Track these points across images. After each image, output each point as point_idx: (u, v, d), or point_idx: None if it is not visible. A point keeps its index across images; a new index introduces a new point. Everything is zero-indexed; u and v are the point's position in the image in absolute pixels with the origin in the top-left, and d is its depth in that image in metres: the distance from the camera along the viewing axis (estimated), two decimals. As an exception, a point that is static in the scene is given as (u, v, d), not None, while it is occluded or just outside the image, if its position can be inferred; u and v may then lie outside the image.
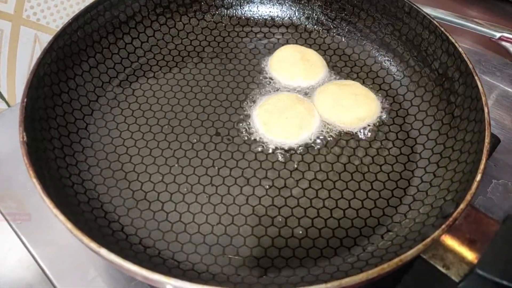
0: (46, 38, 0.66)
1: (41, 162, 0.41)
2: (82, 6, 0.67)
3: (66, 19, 0.66)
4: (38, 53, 0.66)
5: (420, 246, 0.34)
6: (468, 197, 0.36)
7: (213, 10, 0.63)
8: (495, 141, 0.53)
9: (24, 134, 0.40)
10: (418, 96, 0.54)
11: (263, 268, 0.41)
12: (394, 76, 0.57)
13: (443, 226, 0.35)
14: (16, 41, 0.64)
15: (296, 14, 0.63)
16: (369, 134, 0.51)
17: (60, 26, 0.65)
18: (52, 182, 0.41)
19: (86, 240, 0.34)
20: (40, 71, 0.46)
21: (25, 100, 0.42)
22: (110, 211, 0.44)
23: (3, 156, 0.56)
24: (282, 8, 0.64)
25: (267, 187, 0.46)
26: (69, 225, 0.34)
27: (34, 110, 0.44)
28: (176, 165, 0.48)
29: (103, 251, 0.33)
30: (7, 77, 0.66)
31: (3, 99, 0.68)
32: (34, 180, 0.37)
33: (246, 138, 0.50)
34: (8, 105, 0.68)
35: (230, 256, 0.41)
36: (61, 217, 0.35)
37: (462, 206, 0.36)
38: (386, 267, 0.33)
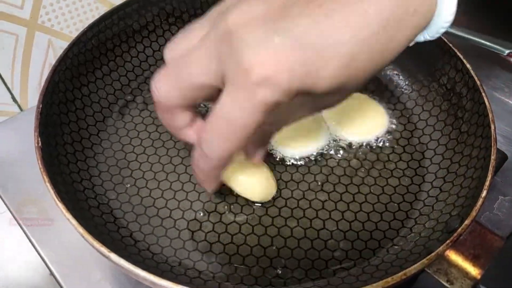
0: (59, 44, 0.67)
1: (54, 167, 0.42)
2: (95, 13, 0.68)
3: (79, 25, 0.67)
4: (51, 58, 0.68)
5: (424, 261, 0.34)
6: (473, 213, 0.37)
7: (224, 20, 0.64)
8: (503, 157, 0.53)
9: (39, 139, 0.41)
10: (426, 110, 0.54)
11: (268, 278, 0.41)
12: (403, 90, 0.57)
13: (448, 241, 0.35)
14: (30, 46, 0.65)
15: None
16: (376, 147, 0.51)
17: (73, 32, 0.67)
18: (64, 186, 0.42)
19: (97, 244, 0.35)
20: (55, 78, 0.47)
21: (41, 106, 0.43)
22: (119, 216, 0.45)
23: (16, 159, 0.57)
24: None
25: (274, 197, 0.47)
26: (81, 229, 0.35)
27: (48, 116, 0.45)
28: (185, 172, 0.49)
29: (113, 256, 0.34)
30: (20, 82, 0.67)
31: (16, 102, 0.69)
32: (48, 184, 0.38)
33: (254, 148, 0.51)
34: (21, 109, 0.69)
35: (236, 265, 0.42)
36: (74, 221, 0.35)
37: (467, 221, 0.36)
38: (390, 280, 0.33)
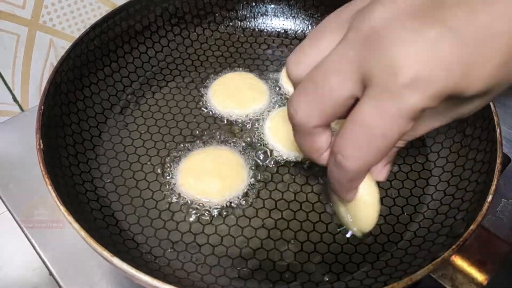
0: (61, 44, 0.67)
1: (56, 169, 0.42)
2: (97, 13, 0.68)
3: (81, 26, 0.67)
4: (52, 58, 0.68)
5: (430, 266, 0.34)
6: (479, 218, 0.37)
7: (227, 21, 0.64)
8: (506, 160, 0.53)
9: (41, 141, 0.40)
10: (429, 113, 0.54)
11: (272, 281, 0.41)
12: (406, 92, 0.57)
13: (453, 246, 0.35)
14: (31, 46, 0.65)
15: (309, 27, 0.64)
16: (380, 149, 0.51)
17: (75, 32, 0.67)
18: (66, 189, 0.41)
19: (99, 248, 0.34)
20: (57, 79, 0.47)
21: (42, 107, 0.43)
22: (121, 219, 0.44)
23: (17, 159, 0.57)
24: (295, 22, 0.64)
25: (276, 200, 0.47)
26: (83, 233, 0.35)
27: (50, 118, 0.45)
28: (187, 175, 0.48)
29: (116, 260, 0.34)
30: (21, 82, 0.67)
31: (17, 102, 0.69)
32: (50, 187, 0.37)
33: (258, 150, 0.51)
34: (22, 109, 0.69)
35: (239, 269, 0.42)
36: (75, 225, 0.35)
37: (472, 227, 0.36)
38: (396, 285, 0.33)
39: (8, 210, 0.53)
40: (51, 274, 0.48)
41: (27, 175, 0.55)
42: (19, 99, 0.68)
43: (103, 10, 0.68)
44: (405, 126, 0.24)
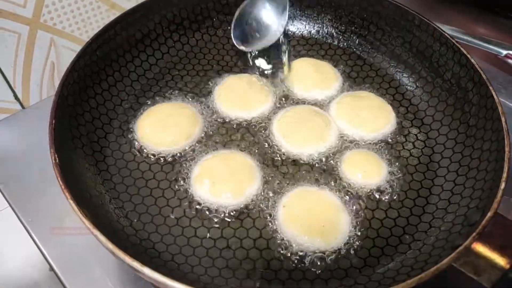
0: (61, 42, 0.67)
1: (72, 182, 0.41)
2: (97, 12, 0.68)
3: (81, 25, 0.67)
4: (53, 56, 0.67)
5: (454, 255, 0.35)
6: (495, 205, 0.38)
7: (225, 25, 0.64)
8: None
9: (56, 155, 0.40)
10: (431, 106, 0.55)
11: (282, 280, 0.41)
12: (407, 87, 0.58)
13: (474, 234, 0.36)
14: (32, 44, 0.64)
15: (306, 28, 0.65)
16: (386, 144, 0.52)
17: (75, 31, 0.67)
18: (82, 201, 0.41)
19: (128, 259, 0.34)
20: (64, 92, 0.46)
21: (53, 121, 0.43)
22: (139, 228, 0.44)
23: (17, 156, 0.56)
24: (292, 23, 0.65)
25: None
26: (111, 245, 0.34)
27: (60, 131, 0.44)
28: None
29: (147, 270, 0.34)
30: (22, 80, 0.66)
31: (18, 100, 0.68)
32: (71, 201, 0.37)
33: (269, 151, 0.51)
34: (23, 107, 0.69)
35: (248, 270, 0.42)
36: (102, 238, 0.35)
37: (489, 214, 0.37)
38: (424, 276, 0.34)
39: (10, 206, 0.52)
40: (52, 269, 0.47)
41: (28, 172, 0.54)
42: (20, 96, 0.68)
43: (103, 9, 0.68)
44: None
